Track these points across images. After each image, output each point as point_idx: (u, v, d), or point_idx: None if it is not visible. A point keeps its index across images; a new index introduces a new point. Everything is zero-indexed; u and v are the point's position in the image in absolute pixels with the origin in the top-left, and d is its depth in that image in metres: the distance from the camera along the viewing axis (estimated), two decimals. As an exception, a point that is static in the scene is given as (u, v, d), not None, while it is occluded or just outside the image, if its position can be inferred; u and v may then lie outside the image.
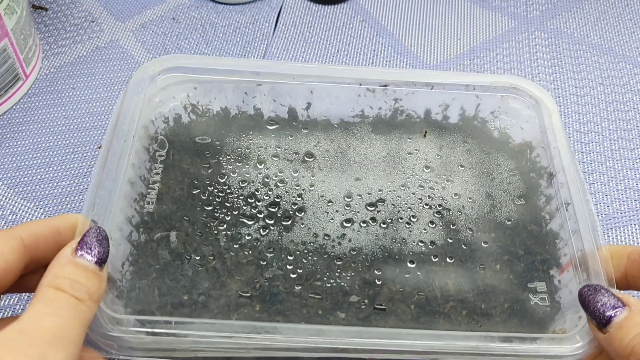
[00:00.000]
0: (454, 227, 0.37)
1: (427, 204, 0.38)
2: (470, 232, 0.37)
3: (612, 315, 0.28)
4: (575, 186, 0.35)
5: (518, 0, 0.58)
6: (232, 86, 0.40)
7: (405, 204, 0.38)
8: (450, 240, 0.36)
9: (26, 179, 0.45)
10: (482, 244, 0.36)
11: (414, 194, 0.38)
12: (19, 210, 0.43)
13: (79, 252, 0.28)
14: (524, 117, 0.40)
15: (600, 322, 0.28)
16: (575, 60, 0.53)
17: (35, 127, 0.48)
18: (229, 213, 0.37)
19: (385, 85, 0.40)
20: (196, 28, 0.55)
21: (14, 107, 0.49)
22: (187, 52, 0.53)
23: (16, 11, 0.46)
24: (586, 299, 0.29)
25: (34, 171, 0.45)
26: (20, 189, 0.44)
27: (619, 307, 0.28)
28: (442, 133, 0.41)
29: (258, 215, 0.37)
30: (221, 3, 0.58)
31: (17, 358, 0.23)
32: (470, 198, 0.38)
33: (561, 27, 0.56)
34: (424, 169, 0.40)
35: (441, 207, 0.38)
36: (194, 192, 0.38)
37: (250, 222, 0.37)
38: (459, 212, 0.38)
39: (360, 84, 0.40)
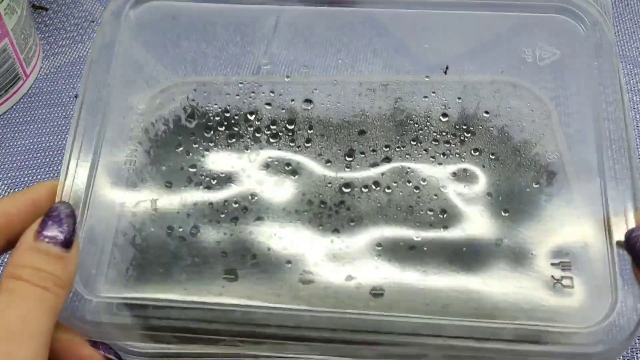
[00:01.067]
0: (470, 191, 0.33)
1: (440, 163, 0.33)
2: (489, 197, 0.32)
3: None
4: (576, 184, 0.35)
5: (518, 1, 0.58)
6: (231, 87, 0.40)
7: (415, 162, 0.34)
8: (464, 209, 0.32)
9: (26, 179, 0.45)
10: (502, 212, 0.32)
11: (426, 150, 0.34)
12: (19, 210, 0.43)
13: (41, 236, 0.25)
14: (523, 115, 0.40)
15: None
16: (575, 60, 0.53)
17: (35, 127, 0.48)
18: (215, 176, 0.35)
19: (386, 85, 0.40)
20: (197, 28, 0.55)
21: (14, 107, 0.49)
22: (187, 52, 0.53)
23: (16, 11, 0.46)
24: (635, 245, 0.26)
25: (34, 171, 0.45)
26: (20, 189, 0.44)
27: None
28: (465, 66, 0.36)
29: (247, 178, 0.34)
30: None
31: None
32: (493, 155, 0.34)
33: (561, 27, 0.56)
34: (441, 117, 0.35)
35: (457, 167, 0.33)
36: (178, 150, 0.35)
37: (238, 187, 0.34)
38: (479, 172, 0.33)
39: (361, 84, 0.40)
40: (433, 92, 0.40)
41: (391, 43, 0.54)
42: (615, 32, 0.55)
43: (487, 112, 0.41)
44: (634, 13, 0.57)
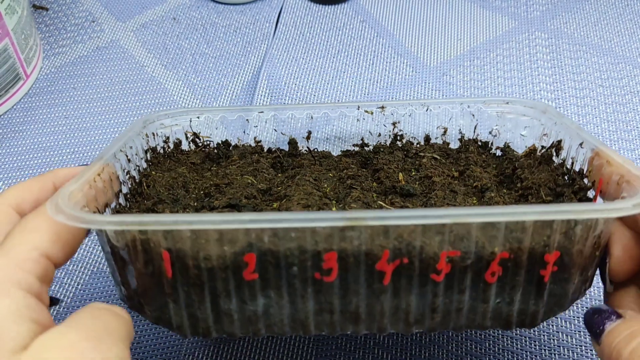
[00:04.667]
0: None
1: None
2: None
3: (605, 324, 0.28)
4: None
5: (518, 1, 0.58)
6: (234, 113, 0.40)
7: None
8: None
9: (26, 178, 0.45)
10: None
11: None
12: (20, 210, 0.43)
13: None
14: (522, 122, 0.39)
15: (595, 334, 0.28)
16: (575, 61, 0.53)
17: (36, 127, 0.48)
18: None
19: (382, 107, 0.40)
20: (197, 28, 0.55)
21: (15, 107, 0.49)
22: (187, 52, 0.53)
23: (17, 11, 0.46)
24: (592, 328, 0.29)
25: (34, 171, 0.45)
26: (21, 189, 0.44)
27: (613, 316, 0.28)
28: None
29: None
30: (222, 3, 0.58)
31: None
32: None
33: (561, 27, 0.56)
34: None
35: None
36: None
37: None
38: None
39: (359, 107, 0.40)
40: (430, 113, 0.40)
41: (391, 43, 0.54)
42: (615, 32, 0.55)
43: (488, 132, 0.41)
44: (634, 14, 0.57)
